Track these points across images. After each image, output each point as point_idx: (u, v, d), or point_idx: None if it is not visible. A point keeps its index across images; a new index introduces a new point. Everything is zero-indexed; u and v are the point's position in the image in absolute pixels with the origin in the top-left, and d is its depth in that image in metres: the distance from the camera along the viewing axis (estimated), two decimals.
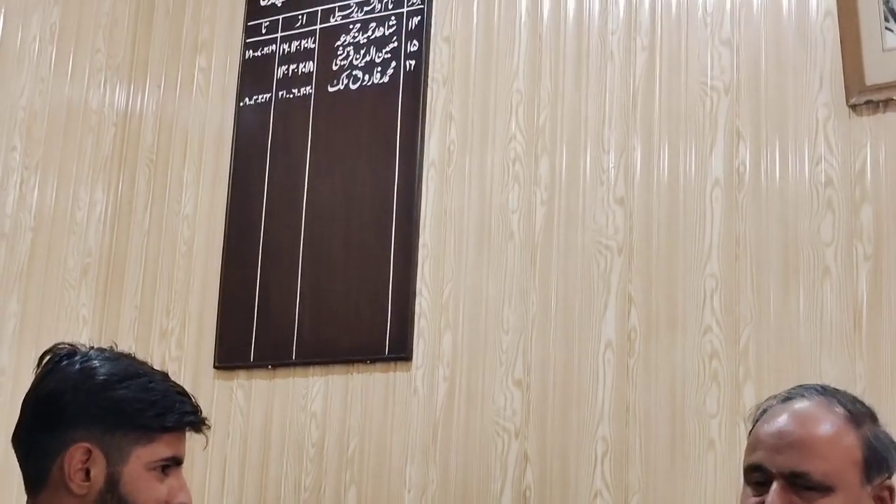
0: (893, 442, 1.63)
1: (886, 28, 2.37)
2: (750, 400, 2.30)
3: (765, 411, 1.70)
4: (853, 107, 2.39)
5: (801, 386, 1.70)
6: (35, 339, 2.97)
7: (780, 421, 1.62)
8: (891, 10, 2.37)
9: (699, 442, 2.38)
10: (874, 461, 1.58)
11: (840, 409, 1.61)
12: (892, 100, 2.35)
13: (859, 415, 1.62)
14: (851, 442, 1.58)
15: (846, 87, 2.39)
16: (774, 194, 2.43)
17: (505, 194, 2.74)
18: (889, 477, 1.60)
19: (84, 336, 3.02)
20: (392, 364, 2.78)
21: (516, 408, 2.59)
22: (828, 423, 1.59)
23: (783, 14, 2.51)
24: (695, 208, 2.50)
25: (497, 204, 2.75)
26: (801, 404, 1.63)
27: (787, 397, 1.66)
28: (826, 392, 1.65)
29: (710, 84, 2.55)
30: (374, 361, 2.80)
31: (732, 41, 2.55)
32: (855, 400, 1.66)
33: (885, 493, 1.59)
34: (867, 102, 2.37)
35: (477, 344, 2.68)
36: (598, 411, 2.50)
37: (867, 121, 2.38)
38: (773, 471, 1.58)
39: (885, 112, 2.36)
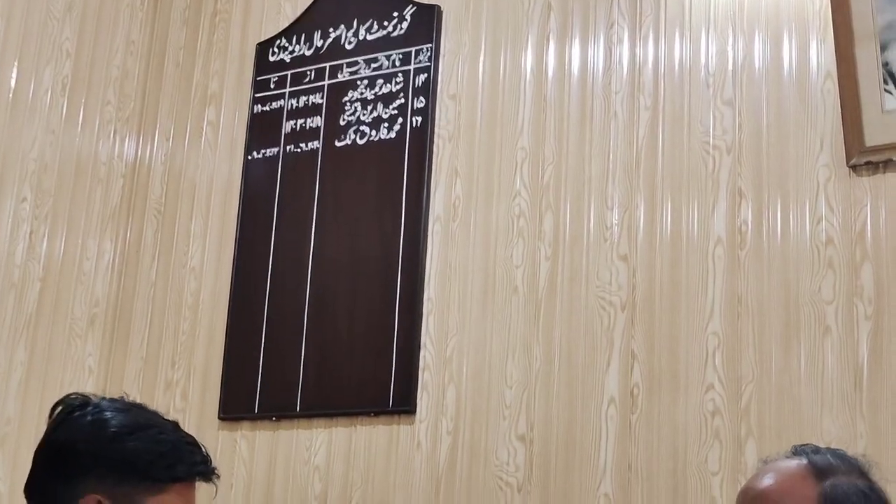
0: (862, 491, 1.64)
1: (886, 90, 2.41)
2: (751, 458, 2.32)
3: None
4: (853, 167, 2.42)
5: (796, 446, 1.72)
6: (41, 388, 2.99)
7: (751, 479, 1.67)
8: (890, 73, 2.41)
9: (701, 500, 2.39)
10: None
11: (804, 461, 1.63)
12: (892, 161, 2.39)
13: (826, 467, 1.63)
14: (807, 493, 1.60)
15: (846, 148, 2.43)
16: (776, 253, 2.46)
17: (509, 250, 2.77)
18: None
19: (90, 386, 3.04)
20: (396, 417, 2.79)
21: (519, 463, 2.61)
22: (784, 476, 1.62)
23: (784, 76, 2.55)
24: (697, 266, 2.53)
25: (501, 259, 2.78)
26: (774, 462, 1.67)
27: (774, 459, 1.69)
28: (805, 452, 1.67)
29: (712, 143, 2.59)
30: (377, 414, 2.82)
31: (734, 102, 2.59)
32: (839, 457, 1.67)
33: None
34: (867, 163, 2.41)
35: (480, 398, 2.70)
36: (601, 468, 2.51)
37: (867, 181, 2.41)
38: None
39: (885, 173, 2.40)
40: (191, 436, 1.81)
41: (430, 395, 2.76)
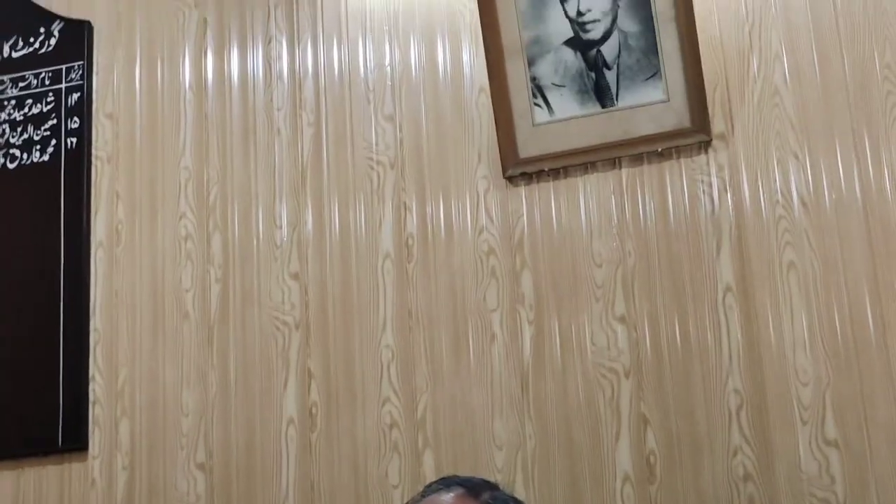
0: (514, 499, 1.83)
1: (535, 104, 2.53)
2: (429, 468, 2.39)
3: None
4: (510, 178, 2.53)
5: (430, 483, 1.85)
6: None
7: None
8: (538, 87, 2.52)
9: None
10: None
11: (458, 489, 1.76)
12: (544, 171, 2.51)
13: (477, 486, 1.78)
14: None
15: (502, 160, 2.53)
16: (441, 265, 2.53)
17: (178, 273, 2.71)
18: None
19: None
20: (66, 456, 2.66)
21: (200, 492, 2.56)
22: (450, 502, 1.75)
23: (440, 89, 2.63)
24: (368, 281, 2.57)
25: (170, 283, 2.71)
26: (430, 496, 1.80)
27: (424, 494, 1.80)
28: (449, 482, 1.80)
29: (376, 159, 2.63)
30: (46, 454, 2.68)
31: (395, 117, 2.64)
32: (482, 479, 1.85)
33: None
34: (522, 174, 2.52)
35: (156, 429, 2.63)
36: (283, 489, 2.50)
37: (523, 191, 2.52)
38: None
39: (538, 183, 2.52)
40: None
41: (103, 429, 2.66)
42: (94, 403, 2.68)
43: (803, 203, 2.32)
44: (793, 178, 2.34)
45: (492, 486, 1.82)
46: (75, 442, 2.66)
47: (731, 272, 2.35)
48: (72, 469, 2.66)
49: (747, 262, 2.33)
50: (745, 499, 2.24)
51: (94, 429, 2.66)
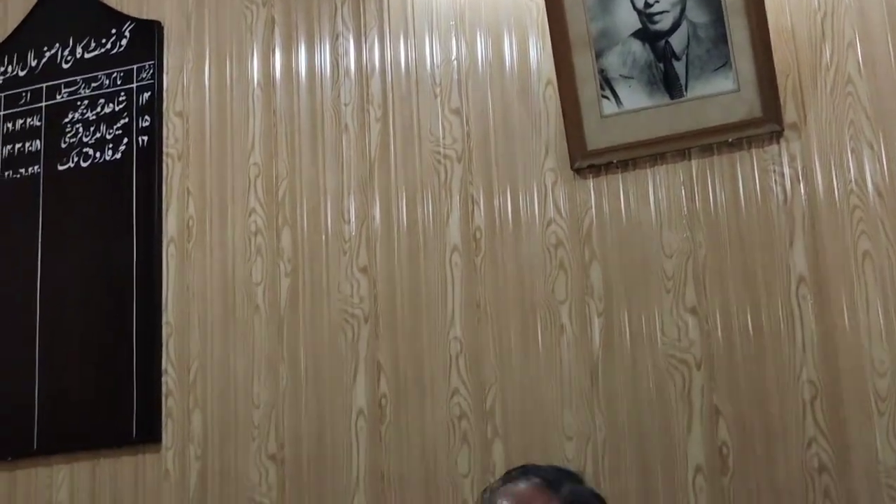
0: (594, 493, 1.81)
1: (603, 96, 2.52)
2: (499, 459, 2.39)
3: (484, 495, 1.83)
4: (577, 171, 2.52)
5: (509, 471, 1.83)
6: None
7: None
8: (606, 80, 2.52)
9: (453, 502, 2.44)
10: None
11: (535, 480, 1.75)
12: (612, 163, 2.50)
13: (556, 480, 1.77)
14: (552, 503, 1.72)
15: (570, 152, 2.52)
16: (510, 257, 2.53)
17: (248, 267, 2.74)
18: None
19: None
20: (141, 447, 2.70)
21: (272, 482, 2.58)
22: (527, 493, 1.73)
23: (507, 83, 2.63)
24: (436, 274, 2.58)
25: (241, 278, 2.74)
26: (508, 485, 1.78)
27: (502, 482, 1.79)
28: (528, 471, 1.79)
29: (443, 153, 2.64)
30: (121, 446, 2.72)
31: (462, 111, 2.65)
32: (557, 469, 1.84)
33: None
34: (590, 166, 2.51)
35: (228, 421, 2.66)
36: (354, 480, 2.52)
37: (591, 183, 2.52)
38: None
39: (606, 175, 2.51)
40: None
41: (176, 421, 2.69)
42: (166, 396, 2.72)
43: (878, 192, 2.29)
44: (867, 167, 2.31)
45: (573, 478, 1.80)
46: (149, 434, 2.70)
47: (804, 262, 2.32)
48: (146, 460, 2.70)
49: (821, 252, 2.31)
50: (820, 491, 2.21)
51: (167, 421, 2.70)
